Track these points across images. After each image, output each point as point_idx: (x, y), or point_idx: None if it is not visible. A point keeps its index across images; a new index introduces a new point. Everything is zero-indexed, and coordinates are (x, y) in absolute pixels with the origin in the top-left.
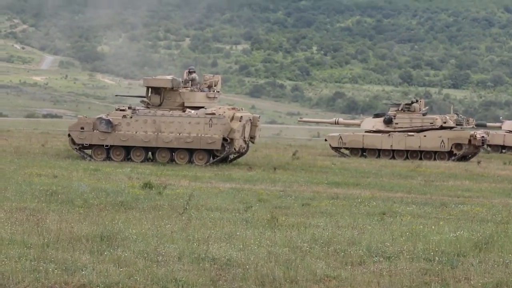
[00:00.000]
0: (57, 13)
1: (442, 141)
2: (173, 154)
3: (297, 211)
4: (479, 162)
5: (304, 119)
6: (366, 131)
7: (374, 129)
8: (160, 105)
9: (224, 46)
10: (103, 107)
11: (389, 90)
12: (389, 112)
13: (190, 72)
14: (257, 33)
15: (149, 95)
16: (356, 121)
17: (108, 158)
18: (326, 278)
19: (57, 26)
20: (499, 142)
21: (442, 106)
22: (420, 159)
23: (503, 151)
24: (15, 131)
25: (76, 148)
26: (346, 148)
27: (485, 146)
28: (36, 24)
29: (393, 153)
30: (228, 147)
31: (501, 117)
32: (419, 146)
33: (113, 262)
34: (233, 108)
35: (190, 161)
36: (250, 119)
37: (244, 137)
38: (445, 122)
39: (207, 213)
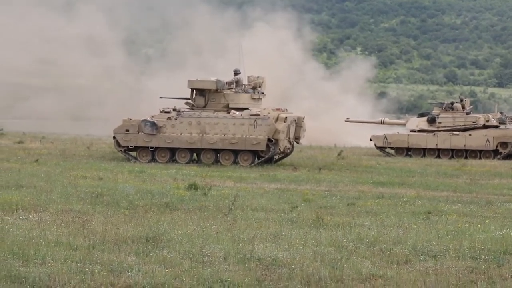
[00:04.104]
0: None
1: (488, 139)
2: (218, 155)
3: (342, 211)
4: None
5: (350, 119)
6: (411, 131)
7: (418, 129)
8: (204, 106)
9: None
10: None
11: (434, 90)
12: (433, 111)
13: (235, 74)
14: (301, 34)
15: (194, 97)
16: (402, 121)
17: (153, 160)
18: (372, 277)
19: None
20: None
21: (487, 105)
22: (466, 158)
23: None
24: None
25: (121, 150)
26: (391, 148)
27: None
28: None
29: (438, 152)
30: (273, 148)
31: None
32: (464, 145)
33: (159, 263)
34: (278, 109)
35: (235, 162)
36: (295, 120)
37: (289, 138)
38: (487, 121)
39: (252, 214)
